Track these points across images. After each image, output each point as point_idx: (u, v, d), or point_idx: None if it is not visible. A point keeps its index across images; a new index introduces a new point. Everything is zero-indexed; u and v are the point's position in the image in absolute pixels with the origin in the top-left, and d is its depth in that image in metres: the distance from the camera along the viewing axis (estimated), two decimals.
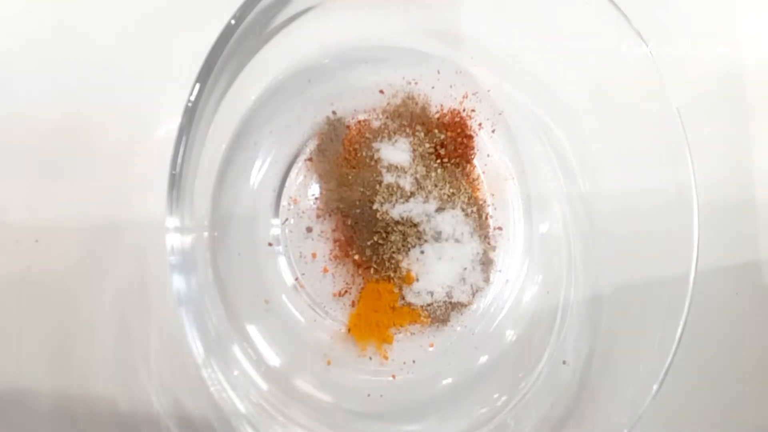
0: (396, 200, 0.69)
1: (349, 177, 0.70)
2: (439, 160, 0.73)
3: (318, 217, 0.71)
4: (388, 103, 0.73)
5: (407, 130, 0.72)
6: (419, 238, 0.70)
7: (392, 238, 0.69)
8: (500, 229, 0.76)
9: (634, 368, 0.64)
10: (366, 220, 0.69)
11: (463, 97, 0.75)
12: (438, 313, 0.72)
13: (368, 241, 0.69)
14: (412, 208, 0.70)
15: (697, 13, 0.84)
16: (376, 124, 0.72)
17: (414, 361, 0.71)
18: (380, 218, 0.69)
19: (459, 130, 0.74)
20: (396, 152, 0.71)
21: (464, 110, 0.75)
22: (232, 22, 0.52)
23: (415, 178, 0.70)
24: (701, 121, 0.75)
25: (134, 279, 0.65)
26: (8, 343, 0.63)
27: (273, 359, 0.66)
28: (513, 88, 0.75)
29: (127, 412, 0.64)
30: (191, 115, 0.51)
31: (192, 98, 0.51)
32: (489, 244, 0.75)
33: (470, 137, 0.74)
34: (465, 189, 0.73)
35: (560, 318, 0.73)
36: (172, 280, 0.50)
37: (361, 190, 0.69)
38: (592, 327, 0.70)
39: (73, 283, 0.64)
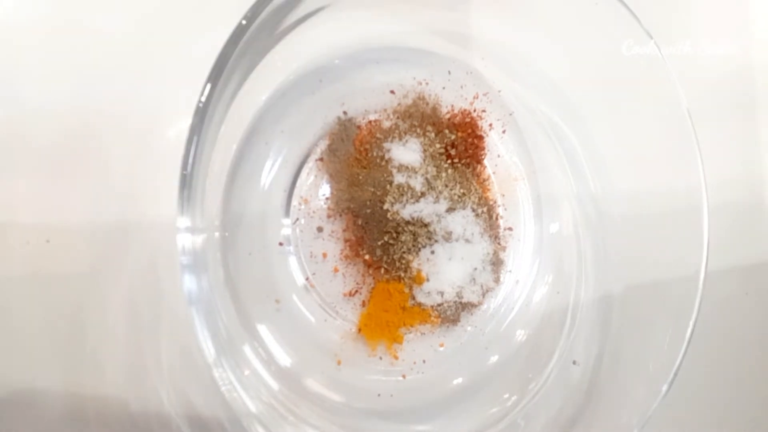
0: (406, 200, 0.69)
1: (360, 177, 0.70)
2: (449, 161, 0.73)
3: (329, 216, 0.71)
4: (398, 104, 0.73)
5: (418, 130, 0.72)
6: (429, 239, 0.70)
7: (403, 238, 0.69)
8: (510, 229, 0.76)
9: (643, 368, 0.64)
10: (376, 220, 0.69)
11: (474, 97, 0.75)
12: (448, 313, 0.72)
13: (379, 241, 0.70)
14: (423, 209, 0.70)
15: (707, 13, 0.84)
16: (386, 124, 0.72)
17: (424, 361, 0.71)
18: (391, 218, 0.69)
19: (469, 131, 0.73)
20: (407, 152, 0.71)
21: (475, 111, 0.75)
22: (243, 22, 0.53)
23: (426, 179, 0.70)
24: (712, 121, 0.75)
25: (145, 279, 0.65)
26: (20, 344, 0.64)
27: (283, 359, 0.66)
28: (524, 88, 0.75)
29: (138, 413, 0.64)
30: (202, 115, 0.51)
31: (203, 98, 0.51)
32: (499, 244, 0.75)
33: (481, 138, 0.74)
34: (475, 189, 0.73)
35: (570, 318, 0.73)
36: (183, 280, 0.50)
37: (372, 190, 0.69)
38: (602, 327, 0.70)
39: (85, 283, 0.65)
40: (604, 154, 0.72)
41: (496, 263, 0.74)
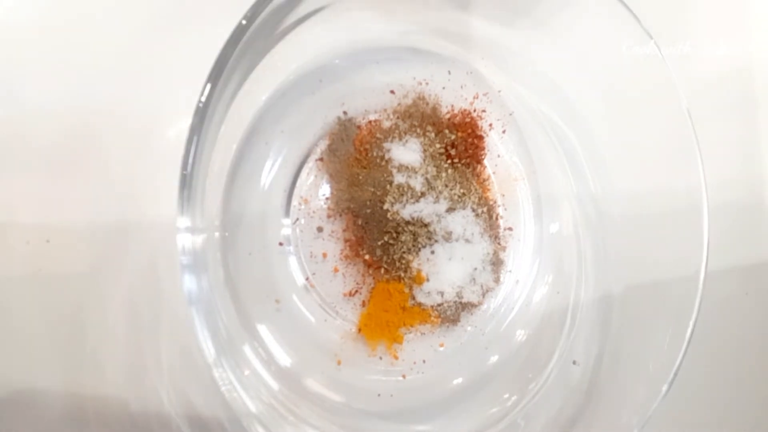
0: (406, 200, 0.69)
1: (360, 177, 0.70)
2: (449, 161, 0.73)
3: (329, 217, 0.71)
4: (398, 104, 0.73)
5: (418, 130, 0.72)
6: (430, 239, 0.70)
7: (403, 238, 0.69)
8: (510, 229, 0.76)
9: (643, 369, 0.64)
10: (376, 220, 0.69)
11: (474, 97, 0.75)
12: (448, 313, 0.72)
13: (379, 241, 0.70)
14: (423, 209, 0.70)
15: (707, 13, 0.84)
16: (386, 124, 0.72)
17: (424, 361, 0.71)
18: (391, 218, 0.69)
19: (470, 131, 0.73)
20: (407, 152, 0.71)
21: (475, 111, 0.75)
22: (243, 22, 0.53)
23: (426, 179, 0.70)
24: (712, 121, 0.75)
25: (145, 279, 0.65)
26: (20, 344, 0.64)
27: (283, 359, 0.66)
28: (524, 88, 0.75)
29: (138, 413, 0.64)
30: (202, 115, 0.51)
31: (203, 98, 0.51)
32: (499, 244, 0.75)
33: (481, 138, 0.74)
34: (475, 189, 0.73)
35: (570, 318, 0.73)
36: (183, 280, 0.50)
37: (372, 190, 0.69)
38: (602, 327, 0.70)
39: (85, 283, 0.65)
40: (604, 154, 0.72)
41: (496, 263, 0.74)
